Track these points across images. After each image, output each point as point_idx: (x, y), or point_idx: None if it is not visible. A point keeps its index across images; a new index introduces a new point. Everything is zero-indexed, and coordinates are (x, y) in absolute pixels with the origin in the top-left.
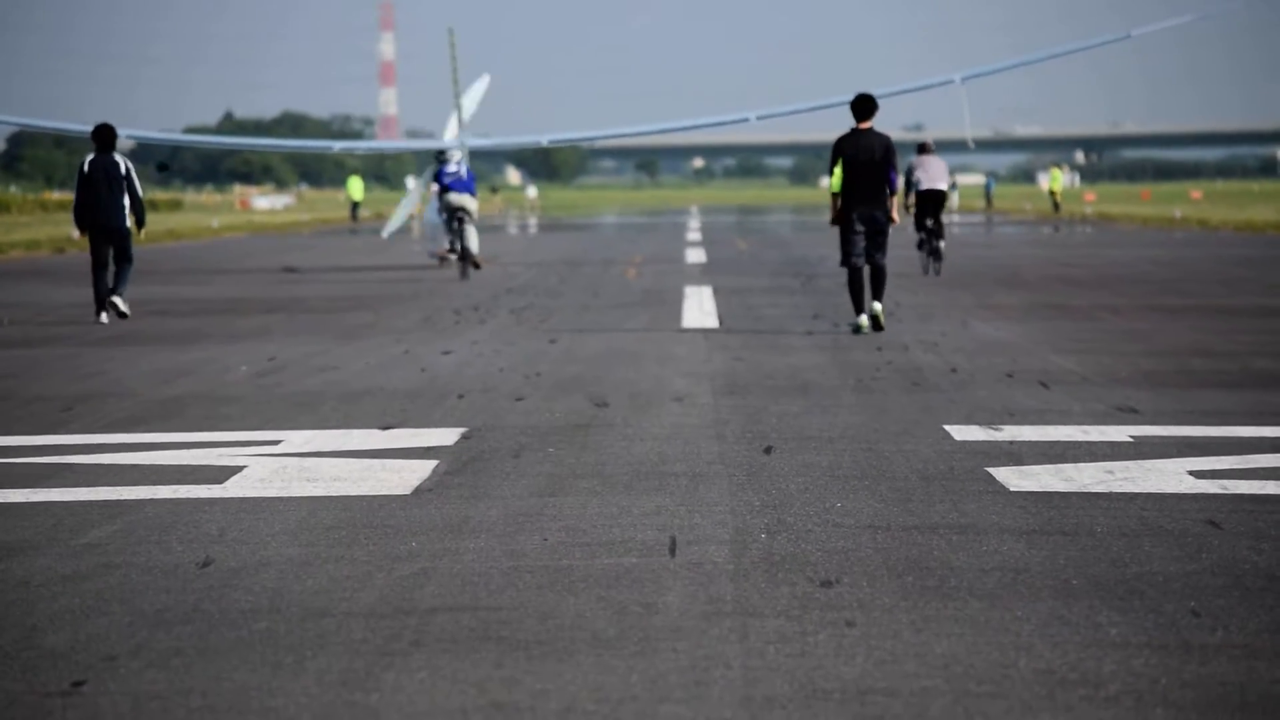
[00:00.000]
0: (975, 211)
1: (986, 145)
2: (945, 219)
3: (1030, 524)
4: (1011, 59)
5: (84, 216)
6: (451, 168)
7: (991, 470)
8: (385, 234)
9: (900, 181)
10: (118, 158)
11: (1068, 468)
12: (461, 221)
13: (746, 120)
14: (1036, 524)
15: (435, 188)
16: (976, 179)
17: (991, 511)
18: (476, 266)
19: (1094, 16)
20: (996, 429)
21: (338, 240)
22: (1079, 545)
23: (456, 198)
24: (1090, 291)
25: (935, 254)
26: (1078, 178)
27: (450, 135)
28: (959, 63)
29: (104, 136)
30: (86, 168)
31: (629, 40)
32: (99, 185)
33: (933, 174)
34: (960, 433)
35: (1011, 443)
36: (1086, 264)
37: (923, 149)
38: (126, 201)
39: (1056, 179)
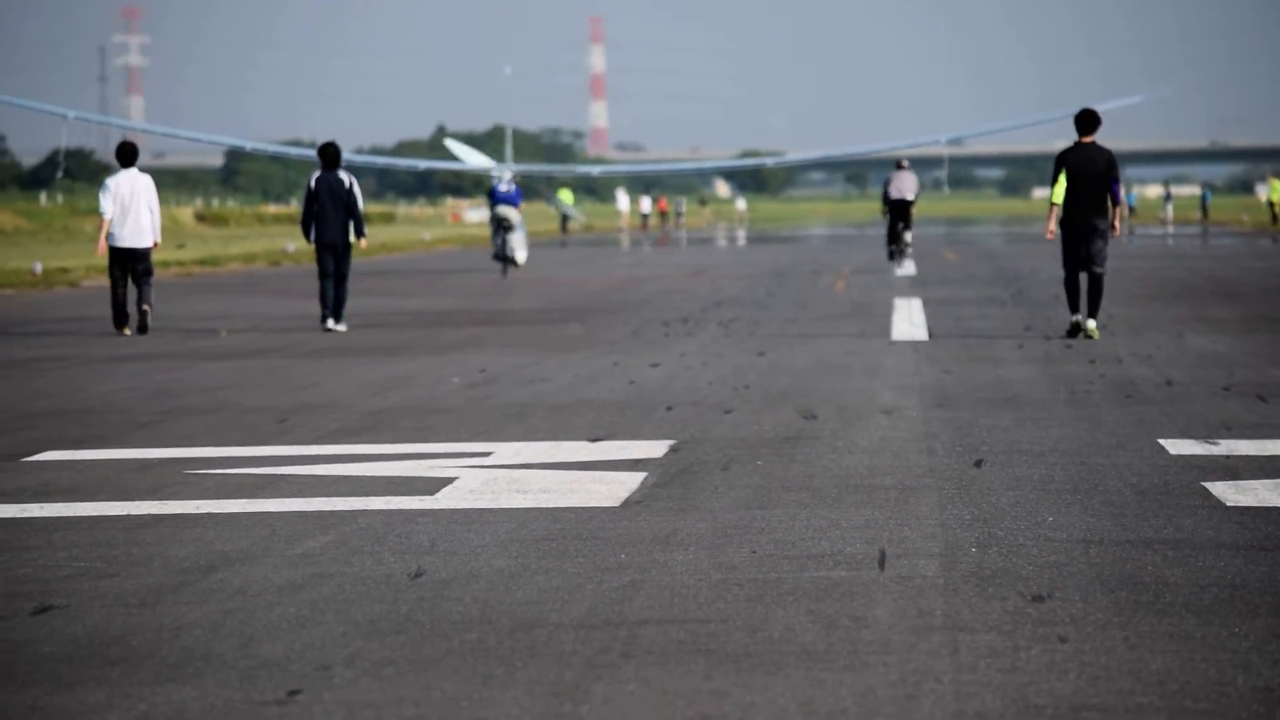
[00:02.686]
0: (1191, 223)
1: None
2: (1163, 230)
3: (1248, 539)
4: (992, 124)
5: (310, 230)
6: (502, 186)
7: (1207, 485)
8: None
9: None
10: (342, 174)
11: None
12: (506, 229)
13: (764, 163)
14: (1254, 539)
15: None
16: (1192, 190)
17: (1208, 526)
18: (515, 264)
19: (1122, 77)
20: (1213, 443)
21: (544, 253)
22: None
23: (503, 210)
24: None
25: (901, 252)
26: None
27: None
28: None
29: (329, 154)
30: (313, 184)
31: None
32: (324, 201)
33: (903, 187)
34: (1175, 446)
35: (1228, 457)
36: None
37: (899, 166)
38: (349, 218)
39: (1276, 189)
